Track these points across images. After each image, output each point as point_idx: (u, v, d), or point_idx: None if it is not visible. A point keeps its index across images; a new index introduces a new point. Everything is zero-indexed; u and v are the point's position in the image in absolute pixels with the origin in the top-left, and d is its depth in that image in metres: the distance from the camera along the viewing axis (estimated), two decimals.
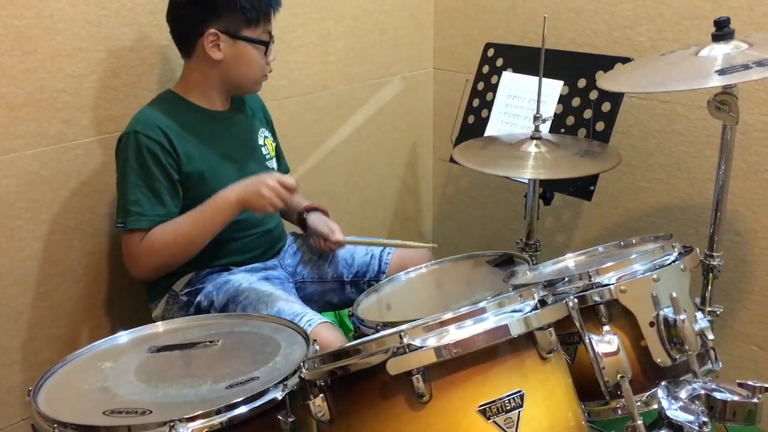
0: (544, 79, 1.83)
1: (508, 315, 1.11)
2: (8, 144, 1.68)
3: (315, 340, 1.34)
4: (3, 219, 1.70)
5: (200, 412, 1.12)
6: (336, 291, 1.94)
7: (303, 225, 1.96)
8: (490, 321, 1.10)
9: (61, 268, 1.83)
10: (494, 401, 1.07)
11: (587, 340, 1.23)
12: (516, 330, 1.09)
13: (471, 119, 2.25)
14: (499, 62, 2.23)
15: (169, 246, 1.66)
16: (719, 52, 1.52)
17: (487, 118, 2.20)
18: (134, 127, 1.65)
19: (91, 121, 1.81)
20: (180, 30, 1.73)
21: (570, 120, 2.01)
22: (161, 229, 1.65)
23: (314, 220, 1.92)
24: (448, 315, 1.09)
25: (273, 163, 1.91)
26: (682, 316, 1.27)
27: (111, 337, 1.45)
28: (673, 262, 1.37)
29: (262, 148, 1.89)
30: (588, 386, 1.25)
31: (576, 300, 1.20)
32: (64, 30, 1.72)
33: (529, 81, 2.11)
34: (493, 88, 2.21)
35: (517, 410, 1.08)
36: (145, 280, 1.77)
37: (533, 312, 1.13)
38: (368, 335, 1.16)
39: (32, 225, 1.76)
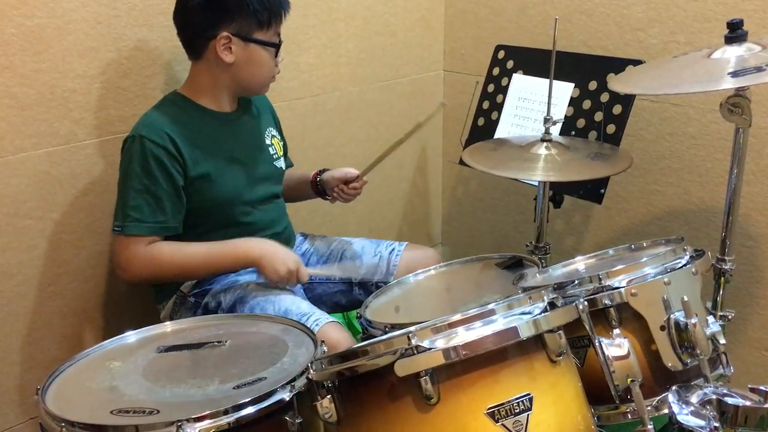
0: (554, 82, 1.82)
1: (518, 317, 1.11)
2: (19, 143, 1.69)
3: (323, 341, 1.33)
4: (13, 218, 1.71)
5: (207, 412, 1.12)
6: (344, 292, 1.94)
7: (318, 188, 2.00)
8: (499, 323, 1.09)
9: (70, 267, 1.83)
10: (503, 404, 1.06)
11: (597, 344, 1.22)
12: (525, 332, 1.08)
13: (481, 121, 2.25)
14: (510, 64, 2.22)
15: (171, 267, 1.66)
16: (732, 54, 1.51)
17: (497, 121, 2.20)
18: (140, 131, 1.64)
19: (101, 121, 1.82)
20: (191, 32, 1.72)
21: (581, 122, 2.00)
22: (169, 248, 1.65)
23: (328, 175, 1.99)
24: (457, 317, 1.08)
25: (281, 163, 1.91)
26: (694, 320, 1.26)
27: (119, 336, 1.46)
28: (685, 265, 1.36)
29: (270, 148, 1.88)
30: (598, 390, 1.25)
31: (586, 303, 1.19)
32: (75, 30, 1.73)
33: (540, 83, 2.10)
34: (504, 90, 2.20)
35: (526, 413, 1.07)
36: (130, 283, 1.80)
37: (542, 314, 1.12)
38: (376, 337, 1.16)
39: (42, 224, 1.76)
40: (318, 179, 1.99)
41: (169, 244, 1.66)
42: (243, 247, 1.69)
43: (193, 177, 1.68)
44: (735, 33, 1.53)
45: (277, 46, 1.73)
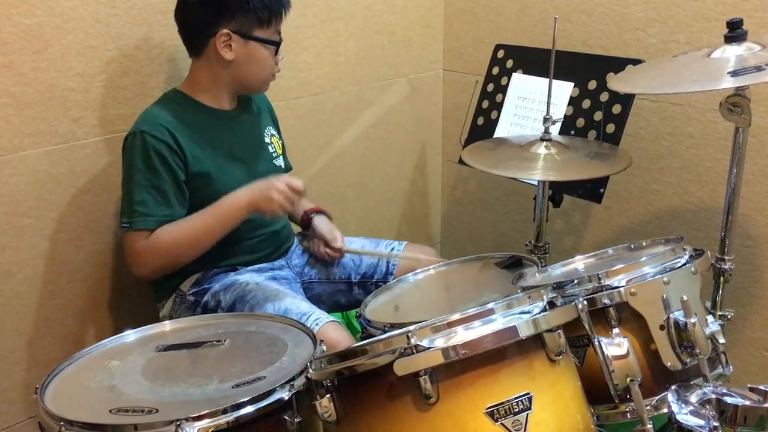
0: (554, 81, 1.82)
1: (517, 316, 1.10)
2: (18, 142, 1.69)
3: (322, 341, 1.33)
4: (12, 217, 1.71)
5: (206, 411, 1.11)
6: (344, 292, 1.94)
7: (306, 226, 1.96)
8: (499, 322, 1.09)
9: (69, 266, 1.83)
10: (502, 403, 1.06)
11: (597, 343, 1.22)
12: (524, 332, 1.08)
13: (480, 121, 2.25)
14: (509, 64, 2.22)
15: (175, 247, 1.65)
16: (732, 53, 1.51)
17: (497, 120, 2.19)
18: (140, 127, 1.65)
19: (100, 120, 1.81)
20: (191, 30, 1.72)
21: (580, 122, 2.00)
22: (167, 229, 1.64)
23: (319, 222, 1.93)
24: (456, 316, 1.08)
25: (280, 161, 1.91)
26: (693, 320, 1.26)
27: (118, 335, 1.45)
28: (684, 264, 1.36)
29: (269, 147, 1.88)
30: (597, 390, 1.24)
31: (585, 302, 1.19)
32: (74, 29, 1.72)
33: (539, 82, 2.10)
34: (503, 89, 2.20)
35: (525, 413, 1.07)
36: (148, 279, 1.77)
37: (542, 314, 1.12)
38: (376, 336, 1.16)
39: (41, 223, 1.76)
40: (311, 216, 1.94)
41: (165, 227, 1.64)
42: (231, 202, 1.66)
43: (194, 173, 1.68)
44: (735, 32, 1.53)
45: (277, 45, 1.73)
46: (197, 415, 1.10)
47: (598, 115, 1.96)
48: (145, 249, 1.64)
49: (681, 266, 1.35)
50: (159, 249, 1.64)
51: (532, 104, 2.12)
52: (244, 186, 1.67)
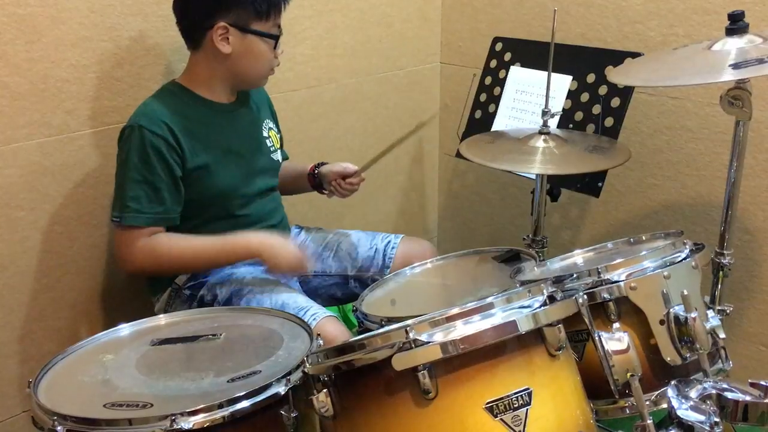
0: (552, 74, 1.81)
1: (517, 311, 1.09)
2: (11, 134, 1.67)
3: (319, 335, 1.32)
4: (5, 209, 1.69)
5: (202, 405, 1.10)
6: (340, 285, 1.93)
7: (314, 182, 2.00)
8: (498, 317, 1.08)
9: (62, 259, 1.81)
10: (501, 398, 1.05)
11: (597, 338, 1.21)
12: (524, 326, 1.07)
13: (478, 114, 2.23)
14: (507, 56, 2.20)
15: (172, 258, 1.65)
16: (733, 46, 1.49)
17: (495, 113, 2.18)
18: (139, 121, 1.62)
19: (94, 112, 1.80)
20: (188, 22, 1.69)
21: (578, 115, 1.99)
22: (171, 240, 1.64)
23: (325, 169, 1.98)
24: (455, 310, 1.07)
25: (278, 155, 1.89)
26: (693, 314, 1.25)
27: (112, 329, 1.44)
28: (685, 259, 1.35)
29: (267, 141, 1.87)
30: (596, 384, 1.24)
31: (586, 296, 1.18)
32: (68, 19, 1.70)
33: (538, 76, 2.09)
34: (501, 82, 2.19)
35: (525, 408, 1.06)
36: (130, 274, 1.78)
37: (542, 308, 1.11)
38: (372, 330, 1.15)
39: (34, 216, 1.74)
40: (315, 172, 1.98)
41: (168, 236, 1.64)
42: (243, 240, 1.66)
43: (191, 168, 1.66)
44: (736, 24, 1.52)
45: (276, 38, 1.71)
46: (193, 409, 1.09)
47: (596, 109, 1.95)
48: (141, 249, 1.62)
49: (681, 260, 1.35)
50: (155, 253, 1.63)
51: (530, 97, 2.11)
52: (264, 232, 1.69)
